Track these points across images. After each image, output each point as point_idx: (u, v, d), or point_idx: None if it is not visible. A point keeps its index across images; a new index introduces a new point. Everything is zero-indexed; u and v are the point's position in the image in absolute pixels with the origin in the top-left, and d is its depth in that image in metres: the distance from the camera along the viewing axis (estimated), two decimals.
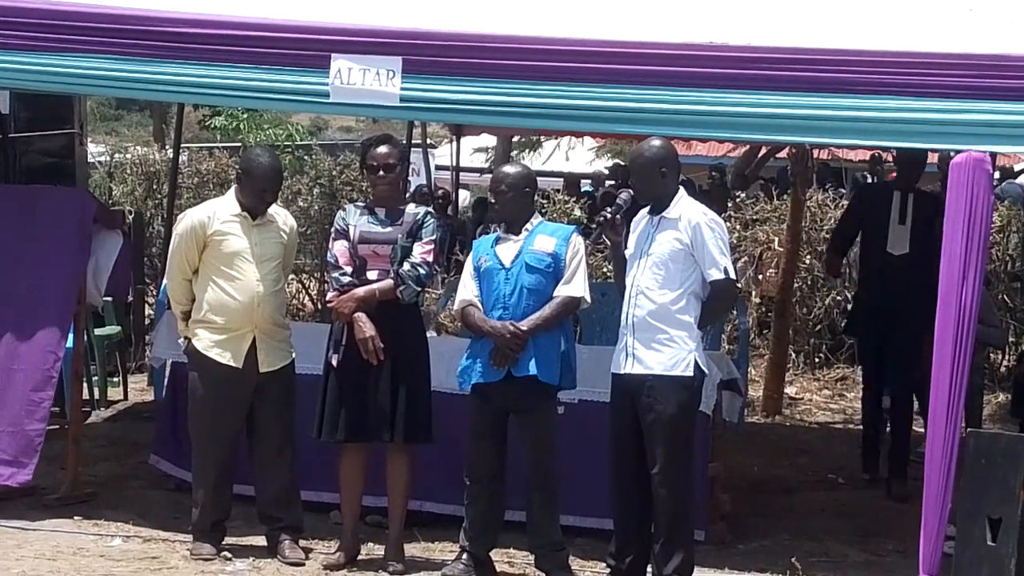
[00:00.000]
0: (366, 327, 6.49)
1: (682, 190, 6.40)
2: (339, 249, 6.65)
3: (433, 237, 6.69)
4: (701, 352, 6.24)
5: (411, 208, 6.75)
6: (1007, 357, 12.36)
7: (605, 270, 11.72)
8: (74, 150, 12.44)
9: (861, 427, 9.40)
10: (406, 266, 6.58)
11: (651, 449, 6.16)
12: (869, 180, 19.19)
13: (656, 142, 6.35)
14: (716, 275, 6.19)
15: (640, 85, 6.32)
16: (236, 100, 8.35)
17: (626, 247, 6.38)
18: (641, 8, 6.92)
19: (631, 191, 6.47)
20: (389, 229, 6.63)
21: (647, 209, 6.38)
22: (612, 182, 19.26)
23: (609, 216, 6.35)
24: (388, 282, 6.57)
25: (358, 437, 6.60)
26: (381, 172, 6.66)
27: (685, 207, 6.28)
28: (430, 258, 6.65)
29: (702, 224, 6.20)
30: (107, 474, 8.31)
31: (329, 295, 6.69)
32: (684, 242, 6.19)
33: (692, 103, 6.30)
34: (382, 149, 6.70)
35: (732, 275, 6.31)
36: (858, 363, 11.39)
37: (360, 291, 6.55)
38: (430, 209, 6.90)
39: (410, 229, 6.63)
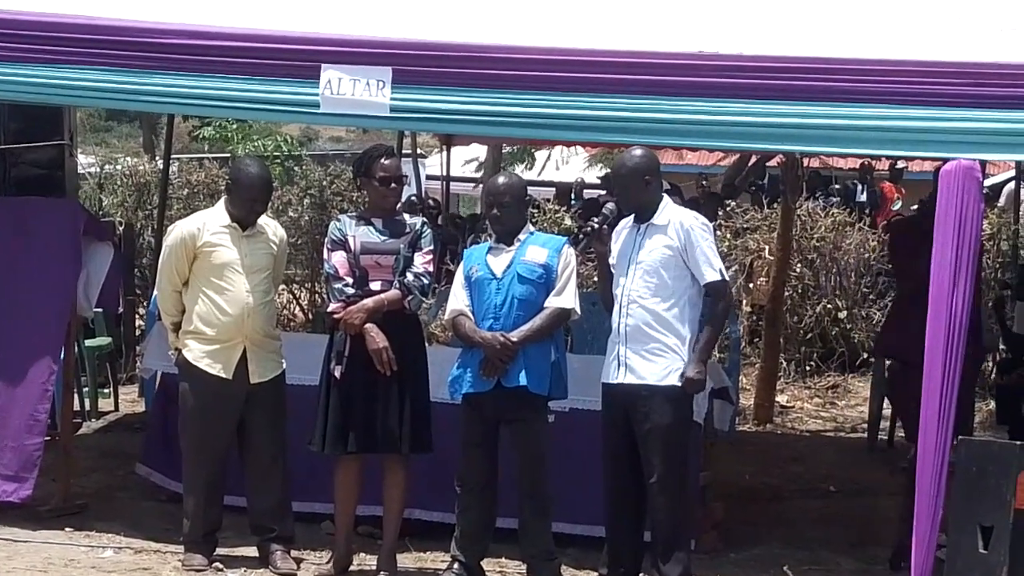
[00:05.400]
0: (379, 338, 6.44)
1: (666, 197, 6.42)
2: (338, 260, 6.59)
3: (431, 247, 6.68)
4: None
5: (408, 218, 6.75)
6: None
7: (596, 279, 11.69)
8: (64, 161, 12.37)
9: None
10: (410, 276, 6.55)
11: (647, 459, 6.17)
12: (859, 188, 19.24)
13: (638, 151, 6.37)
14: (712, 275, 6.21)
15: (630, 95, 6.31)
16: (226, 111, 8.34)
17: (611, 258, 6.39)
18: (631, 18, 6.92)
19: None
20: (391, 240, 6.60)
21: (630, 218, 6.39)
22: (602, 192, 19.25)
23: (596, 226, 6.35)
24: (395, 292, 6.53)
25: (367, 450, 6.55)
26: (393, 184, 6.65)
27: (673, 212, 6.30)
28: (431, 268, 6.65)
29: (694, 227, 6.23)
30: (98, 485, 8.29)
31: (332, 306, 6.55)
32: (674, 247, 6.20)
33: (682, 112, 6.28)
34: (394, 161, 6.71)
35: (726, 276, 6.35)
36: None
37: (369, 302, 6.49)
38: (424, 219, 6.90)
39: (411, 239, 6.63)
